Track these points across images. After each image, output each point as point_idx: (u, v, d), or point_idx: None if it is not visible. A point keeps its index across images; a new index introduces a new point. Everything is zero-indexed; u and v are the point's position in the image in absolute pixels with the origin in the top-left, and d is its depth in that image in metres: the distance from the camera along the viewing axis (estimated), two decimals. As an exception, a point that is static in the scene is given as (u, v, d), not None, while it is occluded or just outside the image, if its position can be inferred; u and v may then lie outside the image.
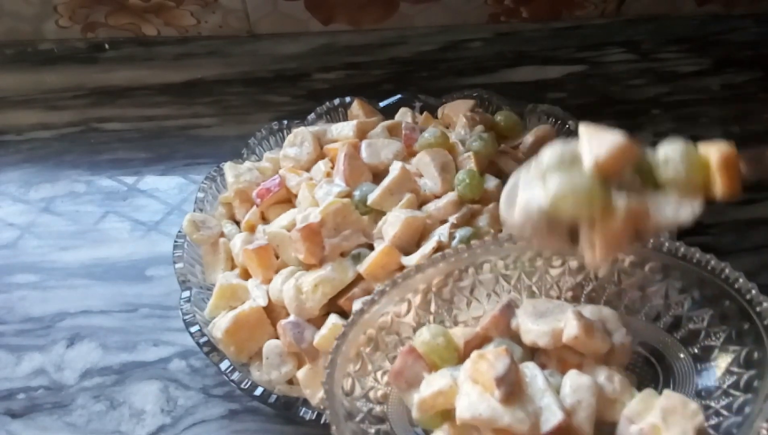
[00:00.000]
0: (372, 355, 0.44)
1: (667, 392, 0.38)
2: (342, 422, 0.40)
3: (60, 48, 0.84)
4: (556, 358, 0.41)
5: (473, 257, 0.45)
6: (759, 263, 0.62)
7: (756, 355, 0.40)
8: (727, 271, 0.41)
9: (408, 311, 0.44)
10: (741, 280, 0.41)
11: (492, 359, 0.38)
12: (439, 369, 0.41)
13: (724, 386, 0.40)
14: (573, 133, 0.62)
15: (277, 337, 0.51)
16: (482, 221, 0.52)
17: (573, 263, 0.45)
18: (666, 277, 0.44)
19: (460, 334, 0.43)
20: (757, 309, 0.40)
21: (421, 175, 0.55)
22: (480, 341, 0.43)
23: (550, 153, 0.38)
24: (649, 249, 0.43)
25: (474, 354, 0.39)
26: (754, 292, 0.40)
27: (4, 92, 0.80)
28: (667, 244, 0.43)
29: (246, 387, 0.48)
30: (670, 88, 0.78)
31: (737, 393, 0.40)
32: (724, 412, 0.39)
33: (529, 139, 0.60)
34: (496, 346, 0.41)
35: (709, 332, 0.42)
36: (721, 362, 0.41)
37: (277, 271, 0.52)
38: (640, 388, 0.40)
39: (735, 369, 0.40)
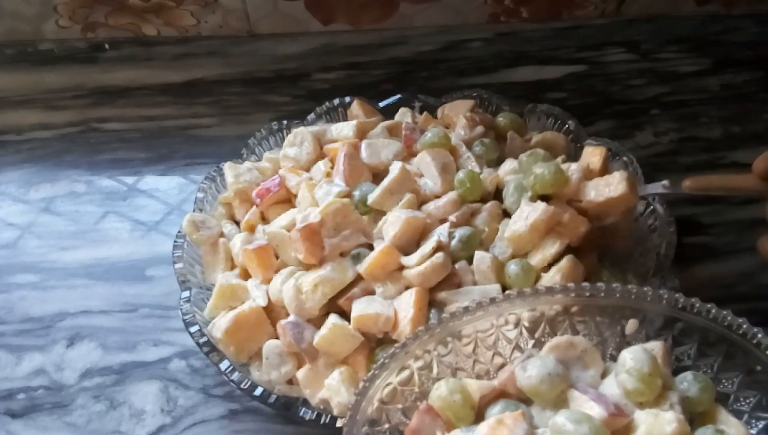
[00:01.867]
0: (389, 408, 0.43)
1: None
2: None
3: (60, 48, 0.84)
4: None
5: (499, 310, 0.44)
6: (759, 263, 0.62)
7: None
8: (759, 336, 0.40)
9: (429, 364, 0.43)
10: (745, 326, 0.40)
11: (511, 425, 0.37)
12: (454, 428, 0.41)
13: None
14: (572, 133, 0.62)
15: (277, 337, 0.51)
16: (480, 220, 0.52)
17: (598, 318, 0.44)
18: (695, 339, 0.42)
19: (476, 388, 0.42)
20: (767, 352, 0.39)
21: (421, 175, 0.55)
22: (496, 396, 0.42)
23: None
24: (679, 309, 0.42)
25: (493, 420, 0.39)
26: (760, 335, 0.39)
27: (4, 92, 0.80)
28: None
29: (246, 387, 0.48)
30: (670, 88, 0.78)
31: None
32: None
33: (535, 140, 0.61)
34: (503, 408, 0.40)
35: (738, 397, 0.41)
36: (752, 429, 0.40)
37: (276, 271, 0.52)
38: None
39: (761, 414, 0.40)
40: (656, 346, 0.41)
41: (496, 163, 0.58)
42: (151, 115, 0.77)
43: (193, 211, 0.59)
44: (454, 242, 0.50)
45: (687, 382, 0.40)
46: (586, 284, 0.43)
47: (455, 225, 0.51)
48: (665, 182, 0.52)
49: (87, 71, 0.82)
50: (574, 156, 0.61)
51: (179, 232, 0.57)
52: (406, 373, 0.43)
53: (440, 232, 0.50)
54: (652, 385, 0.39)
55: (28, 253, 0.65)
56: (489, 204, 0.53)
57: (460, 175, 0.54)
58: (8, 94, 0.80)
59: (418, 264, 0.49)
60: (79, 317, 0.60)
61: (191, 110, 0.77)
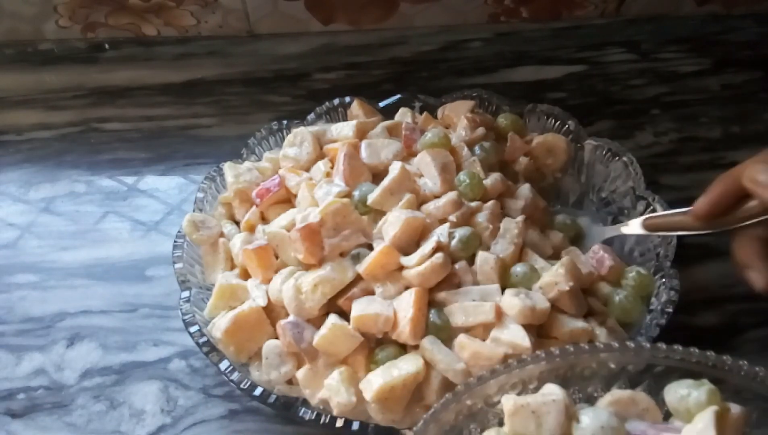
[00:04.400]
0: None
1: None
2: None
3: (60, 48, 0.84)
4: None
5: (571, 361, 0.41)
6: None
7: None
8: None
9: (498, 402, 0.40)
10: None
11: None
12: None
13: None
14: (572, 133, 0.62)
15: (277, 337, 0.50)
16: (481, 217, 0.52)
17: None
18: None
19: None
20: None
21: (420, 175, 0.55)
22: None
23: None
24: (742, 376, 0.39)
25: None
26: None
27: (4, 92, 0.80)
28: (761, 373, 0.39)
29: (245, 387, 0.48)
30: (670, 88, 0.78)
31: None
32: None
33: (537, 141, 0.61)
34: None
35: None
36: None
37: (276, 271, 0.52)
38: None
39: None
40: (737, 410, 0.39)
41: (498, 165, 0.58)
42: (151, 115, 0.77)
43: (193, 211, 0.59)
44: (453, 242, 0.50)
45: None
46: (646, 345, 0.40)
47: (455, 225, 0.51)
48: (621, 226, 0.55)
49: (87, 71, 0.82)
50: (574, 157, 0.62)
51: (179, 232, 0.57)
52: None
53: (440, 233, 0.50)
54: None
55: (28, 253, 0.65)
56: (490, 203, 0.53)
57: (462, 175, 0.54)
58: (8, 94, 0.80)
59: (417, 264, 0.49)
60: (79, 317, 0.60)
61: (191, 110, 0.77)
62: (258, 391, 0.48)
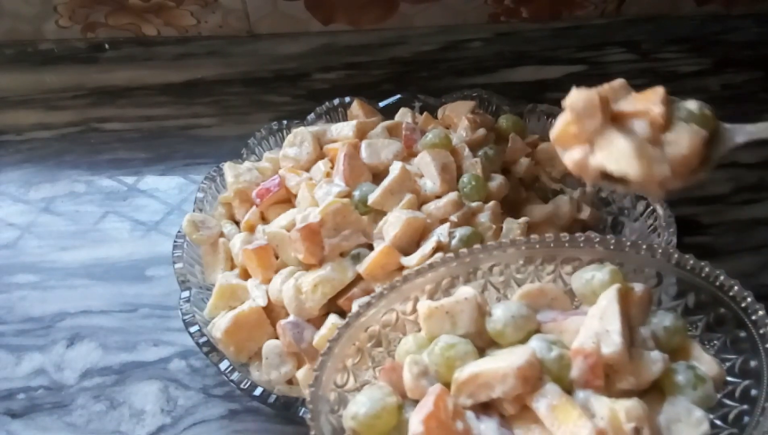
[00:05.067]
0: (372, 351, 0.43)
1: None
2: (323, 416, 0.39)
3: (60, 48, 0.84)
4: None
5: (476, 262, 0.44)
6: (759, 263, 0.62)
7: (752, 364, 0.39)
8: (722, 277, 0.40)
9: (413, 310, 0.43)
10: (736, 288, 0.40)
11: None
12: None
13: (719, 397, 0.39)
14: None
15: (277, 337, 0.51)
16: (483, 217, 0.52)
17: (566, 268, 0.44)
18: (659, 283, 0.43)
19: None
20: (753, 317, 0.39)
21: (421, 176, 0.55)
22: None
23: None
24: (642, 256, 0.42)
25: None
26: (749, 299, 0.39)
27: (4, 92, 0.80)
28: (660, 250, 0.42)
29: (245, 387, 0.48)
30: (670, 88, 0.78)
31: (733, 404, 0.39)
32: (720, 423, 0.38)
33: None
34: None
35: (703, 340, 0.41)
36: None
37: (276, 271, 0.52)
38: None
39: (730, 378, 0.39)
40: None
41: (500, 168, 0.58)
42: (151, 115, 0.77)
43: (193, 211, 0.59)
44: (454, 242, 0.50)
45: (659, 318, 0.40)
46: (550, 235, 0.43)
47: (456, 225, 0.51)
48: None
49: (87, 71, 0.82)
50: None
51: (179, 232, 0.57)
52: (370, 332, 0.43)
53: (440, 232, 0.50)
54: None
55: (28, 253, 0.65)
56: (491, 203, 0.53)
57: (465, 178, 0.54)
58: (8, 94, 0.80)
59: (418, 264, 0.48)
60: (79, 317, 0.60)
61: (191, 110, 0.77)
62: (258, 391, 0.48)
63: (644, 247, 0.42)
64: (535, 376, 0.36)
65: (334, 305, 0.50)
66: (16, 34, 0.84)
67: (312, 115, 0.66)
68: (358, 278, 0.50)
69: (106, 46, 0.84)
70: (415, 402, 0.38)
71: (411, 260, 0.49)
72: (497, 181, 0.56)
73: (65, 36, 0.84)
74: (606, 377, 0.37)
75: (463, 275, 0.44)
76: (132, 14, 0.82)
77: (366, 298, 0.44)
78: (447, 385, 0.38)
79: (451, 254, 0.44)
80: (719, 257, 0.62)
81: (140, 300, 0.61)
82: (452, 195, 0.53)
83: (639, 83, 0.83)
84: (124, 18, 0.83)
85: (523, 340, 0.39)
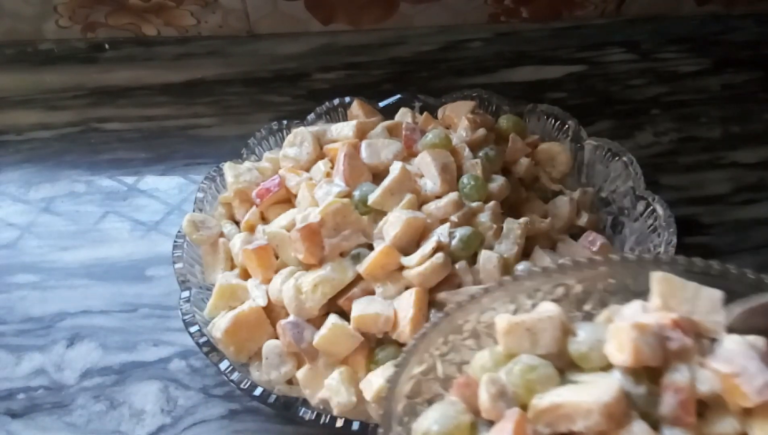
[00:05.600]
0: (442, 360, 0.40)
1: None
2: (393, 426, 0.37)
3: (60, 48, 0.84)
4: None
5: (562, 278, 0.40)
6: (759, 263, 0.62)
7: None
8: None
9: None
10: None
11: None
12: None
13: None
14: (572, 133, 0.62)
15: (277, 337, 0.51)
16: (484, 217, 0.52)
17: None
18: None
19: None
20: None
21: (421, 176, 0.55)
22: None
23: None
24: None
25: None
26: None
27: (4, 92, 0.80)
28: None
29: (245, 387, 0.48)
30: (670, 88, 0.78)
31: None
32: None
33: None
34: None
35: None
36: None
37: (276, 271, 0.52)
38: None
39: None
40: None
41: (500, 168, 0.58)
42: (151, 115, 0.77)
43: (193, 211, 0.59)
44: (454, 242, 0.50)
45: None
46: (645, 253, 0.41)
47: (456, 225, 0.51)
48: None
49: (87, 71, 0.82)
50: (575, 158, 0.62)
51: (179, 232, 0.57)
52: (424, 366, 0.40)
53: (440, 233, 0.50)
54: None
55: (28, 253, 0.65)
56: (491, 203, 0.53)
57: (465, 178, 0.54)
58: (8, 94, 0.80)
59: (418, 264, 0.48)
60: (79, 317, 0.60)
61: (191, 110, 0.77)
62: (258, 391, 0.48)
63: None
64: (621, 413, 0.33)
65: (334, 305, 0.50)
66: (16, 34, 0.84)
67: (312, 115, 0.66)
68: (358, 278, 0.50)
69: (106, 46, 0.84)
70: (489, 422, 0.36)
71: (411, 260, 0.49)
72: (498, 182, 0.55)
73: (65, 36, 0.84)
74: (698, 415, 0.34)
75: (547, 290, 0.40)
76: (132, 14, 0.82)
77: (458, 301, 0.41)
78: (523, 406, 0.35)
79: (537, 268, 0.40)
80: (719, 257, 0.62)
81: (140, 300, 0.61)
82: (452, 195, 0.53)
83: (639, 83, 0.84)
84: (124, 18, 0.83)
85: (607, 367, 0.36)
